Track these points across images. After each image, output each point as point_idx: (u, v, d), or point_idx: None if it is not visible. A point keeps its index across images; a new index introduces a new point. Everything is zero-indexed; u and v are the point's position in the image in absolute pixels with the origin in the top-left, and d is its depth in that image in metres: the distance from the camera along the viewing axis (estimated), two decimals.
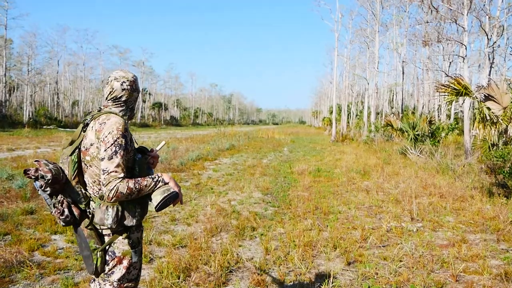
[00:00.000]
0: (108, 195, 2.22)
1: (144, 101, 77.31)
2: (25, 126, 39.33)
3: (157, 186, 2.34)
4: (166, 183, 2.37)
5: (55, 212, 2.43)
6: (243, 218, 7.14)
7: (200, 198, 8.85)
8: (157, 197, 2.31)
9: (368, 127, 29.78)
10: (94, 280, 2.54)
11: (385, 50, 41.94)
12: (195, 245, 5.45)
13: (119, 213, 2.35)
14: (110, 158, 2.25)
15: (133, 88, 2.54)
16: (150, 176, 2.36)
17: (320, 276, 4.72)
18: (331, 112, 46.72)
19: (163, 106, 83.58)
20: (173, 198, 2.35)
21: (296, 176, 12.27)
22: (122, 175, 2.25)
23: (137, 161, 2.43)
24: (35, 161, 2.44)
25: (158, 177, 2.36)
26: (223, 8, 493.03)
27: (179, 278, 4.46)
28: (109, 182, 2.21)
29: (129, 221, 2.38)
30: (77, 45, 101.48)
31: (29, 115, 49.92)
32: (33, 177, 2.35)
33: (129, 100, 2.54)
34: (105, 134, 2.31)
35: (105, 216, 2.35)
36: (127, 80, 2.51)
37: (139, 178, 2.32)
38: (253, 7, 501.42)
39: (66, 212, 2.42)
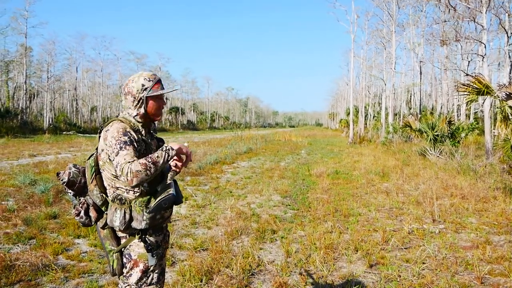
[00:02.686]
0: (127, 179, 2.20)
1: None
2: (45, 132, 39.96)
3: (170, 156, 2.32)
4: (174, 150, 2.36)
5: (73, 212, 2.54)
6: (263, 221, 7.15)
7: (220, 202, 8.88)
8: (156, 199, 2.34)
9: (386, 129, 29.54)
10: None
11: (402, 51, 41.54)
12: (216, 248, 5.47)
13: (126, 215, 2.38)
14: (117, 153, 2.29)
15: (125, 91, 2.54)
16: (161, 148, 2.36)
17: (342, 278, 4.70)
18: (348, 114, 46.49)
19: (180, 111, 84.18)
20: (169, 201, 2.33)
21: (314, 178, 12.24)
22: (132, 159, 2.25)
23: None
24: (68, 164, 2.58)
25: (166, 147, 2.35)
26: (239, 12, 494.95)
27: (201, 281, 4.48)
28: (122, 169, 2.22)
29: (138, 224, 2.37)
30: (95, 52, 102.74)
31: (49, 121, 50.74)
32: (60, 179, 2.51)
33: (126, 104, 2.55)
34: (109, 139, 2.36)
35: (113, 218, 2.40)
36: (126, 84, 2.55)
37: (148, 155, 2.32)
38: (269, 11, 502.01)
39: (82, 213, 2.51)
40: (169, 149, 2.34)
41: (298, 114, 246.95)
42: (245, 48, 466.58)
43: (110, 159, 2.37)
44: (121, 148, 2.29)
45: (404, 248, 5.76)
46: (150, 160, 2.24)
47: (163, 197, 2.32)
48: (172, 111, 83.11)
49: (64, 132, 44.24)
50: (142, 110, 2.51)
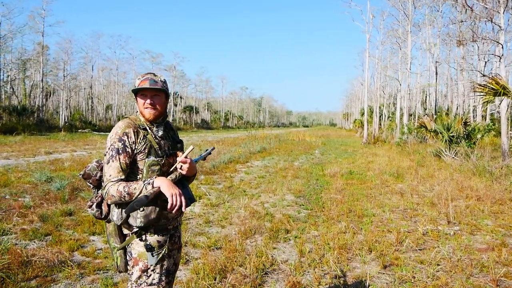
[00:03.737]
0: (104, 197, 2.37)
1: (175, 105, 78.34)
2: (61, 130, 40.41)
3: (147, 189, 2.30)
4: (155, 187, 2.32)
5: (87, 204, 2.62)
6: (277, 221, 7.16)
7: (233, 201, 8.91)
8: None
9: (401, 129, 29.31)
10: None
11: (418, 51, 41.21)
12: (230, 247, 5.50)
13: (123, 211, 2.41)
14: (108, 162, 2.39)
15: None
16: (144, 180, 2.36)
17: (356, 279, 4.69)
18: (363, 114, 46.25)
19: (194, 110, 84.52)
20: (140, 202, 2.28)
21: (328, 178, 12.21)
22: (116, 178, 2.35)
23: (146, 163, 2.44)
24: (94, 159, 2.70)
25: (150, 180, 2.35)
26: (254, 12, 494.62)
27: (215, 280, 4.51)
28: (105, 185, 2.35)
29: (133, 221, 2.39)
30: (110, 51, 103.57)
31: (64, 119, 51.33)
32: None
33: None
34: (108, 137, 2.45)
35: (112, 212, 2.47)
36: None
37: (132, 182, 2.36)
38: (283, 11, 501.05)
39: (94, 205, 2.58)
40: (148, 183, 2.32)
41: (312, 114, 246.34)
42: (260, 47, 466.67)
43: (104, 158, 2.46)
44: (111, 157, 2.38)
45: (419, 250, 5.73)
46: (126, 190, 2.30)
47: (133, 201, 2.30)
48: (186, 110, 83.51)
49: (80, 130, 44.71)
50: (139, 107, 2.56)
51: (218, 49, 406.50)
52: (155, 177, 2.37)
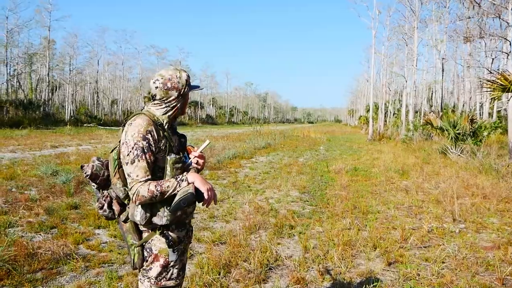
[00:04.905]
0: (132, 198, 2.28)
1: None
2: (67, 124, 40.62)
3: (181, 187, 2.29)
4: (190, 183, 2.31)
5: (97, 205, 2.54)
6: (281, 216, 7.16)
7: (238, 196, 8.91)
8: (175, 198, 2.28)
9: (406, 126, 29.21)
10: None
11: (424, 47, 40.82)
12: (234, 242, 5.49)
13: (148, 210, 2.37)
14: (133, 162, 2.29)
15: (168, 86, 2.46)
16: (175, 177, 2.33)
17: (361, 275, 4.68)
18: (368, 111, 46.10)
19: (199, 105, 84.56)
20: (188, 200, 2.26)
21: (333, 175, 12.18)
22: (144, 178, 2.27)
23: (169, 161, 2.40)
24: (92, 158, 2.59)
25: (182, 176, 2.32)
26: (258, 8, 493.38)
27: (219, 274, 4.51)
28: (132, 187, 2.27)
29: (159, 220, 2.37)
30: (116, 45, 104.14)
31: (70, 113, 51.54)
32: (84, 172, 2.53)
33: (165, 98, 2.48)
34: (128, 136, 2.35)
35: (134, 212, 2.40)
36: (161, 78, 2.47)
37: (162, 180, 2.31)
38: (288, 6, 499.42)
39: (105, 207, 2.51)
40: (182, 180, 2.30)
41: (317, 110, 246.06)
42: (265, 43, 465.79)
43: (124, 157, 2.35)
44: (137, 156, 2.29)
45: (424, 247, 5.70)
46: (159, 189, 2.25)
47: (182, 197, 2.26)
48: (191, 105, 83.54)
49: (85, 124, 44.91)
50: (179, 105, 2.51)
51: (223, 44, 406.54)
52: (186, 173, 2.35)
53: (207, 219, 7.02)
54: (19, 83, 54.06)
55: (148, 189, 2.24)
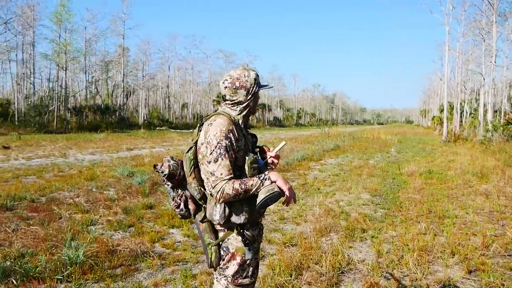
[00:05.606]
0: (216, 196, 2.30)
1: None
2: (140, 128, 42.42)
3: (264, 185, 2.31)
4: (273, 182, 2.33)
5: (173, 204, 2.61)
6: (352, 219, 7.01)
7: (307, 198, 8.84)
8: (260, 196, 2.29)
9: (485, 126, 27.66)
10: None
11: (504, 42, 38.42)
12: (305, 244, 5.45)
13: (226, 209, 2.39)
14: (216, 160, 2.32)
15: (237, 85, 2.50)
16: (257, 176, 2.35)
17: (438, 282, 4.48)
18: (442, 111, 44.19)
19: (266, 107, 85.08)
20: (274, 198, 2.29)
21: (405, 177, 11.78)
22: (228, 176, 2.30)
23: (247, 160, 2.42)
24: (165, 157, 2.63)
25: (265, 175, 2.34)
26: (324, 9, 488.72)
27: (291, 276, 4.49)
28: (216, 185, 2.29)
29: (237, 219, 2.39)
30: (186, 51, 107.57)
31: (143, 117, 53.75)
32: (158, 171, 2.57)
33: (235, 98, 2.51)
34: (210, 135, 2.37)
35: (213, 211, 2.42)
36: (230, 78, 2.51)
37: (245, 178, 2.33)
38: (353, 6, 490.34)
39: (182, 206, 2.57)
40: (265, 179, 2.32)
41: (387, 111, 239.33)
42: (332, 44, 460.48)
43: (206, 156, 2.39)
44: (220, 154, 2.32)
45: (508, 255, 5.36)
46: (243, 187, 2.28)
47: (268, 195, 2.28)
48: (259, 108, 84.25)
49: (157, 128, 46.66)
50: (251, 104, 2.54)
51: (290, 46, 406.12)
52: (267, 172, 2.37)
53: (277, 220, 7.03)
54: (97, 89, 57.28)
55: (233, 187, 2.27)
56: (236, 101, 2.52)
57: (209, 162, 2.35)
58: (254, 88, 2.52)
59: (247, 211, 2.39)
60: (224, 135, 2.35)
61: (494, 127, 24.85)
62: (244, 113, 2.54)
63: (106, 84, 58.62)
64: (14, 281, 4.13)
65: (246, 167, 2.41)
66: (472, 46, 42.81)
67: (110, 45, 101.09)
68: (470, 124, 36.88)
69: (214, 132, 2.37)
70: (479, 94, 39.96)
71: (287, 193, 2.36)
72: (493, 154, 17.26)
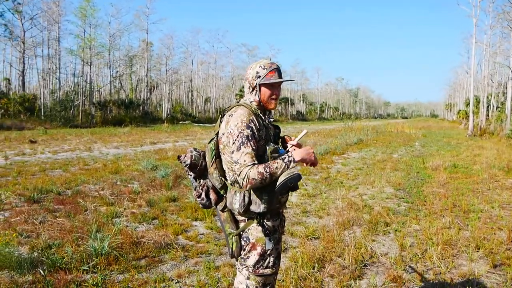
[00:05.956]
0: (242, 183, 2.30)
1: None
2: (164, 122, 42.86)
3: (289, 167, 2.32)
4: (296, 162, 2.34)
5: (194, 194, 2.68)
6: (376, 213, 6.99)
7: (330, 192, 8.84)
8: (280, 178, 2.29)
9: None
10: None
11: None
12: (328, 237, 5.46)
13: (246, 198, 2.43)
14: (239, 149, 2.34)
15: (245, 78, 2.59)
16: (280, 158, 2.35)
17: (462, 276, 4.44)
18: (467, 105, 43.42)
19: (289, 101, 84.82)
20: (294, 180, 2.29)
21: (430, 171, 11.64)
22: (251, 163, 2.31)
23: (267, 150, 2.44)
24: (188, 149, 2.71)
25: (289, 157, 2.35)
26: (349, 4, 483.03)
27: (313, 269, 4.51)
28: (240, 172, 2.30)
29: (256, 208, 2.42)
30: (209, 45, 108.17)
31: (167, 111, 54.15)
32: (181, 162, 2.66)
33: (252, 88, 2.56)
34: (231, 126, 2.41)
35: (233, 200, 2.47)
36: (250, 69, 2.57)
37: (269, 162, 2.34)
38: (379, 1, 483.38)
39: (203, 195, 2.64)
40: (290, 161, 2.33)
41: (412, 105, 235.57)
42: (355, 37, 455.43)
43: (228, 146, 2.43)
44: (242, 143, 2.34)
45: None
46: (268, 171, 2.28)
47: (289, 177, 2.29)
48: (282, 102, 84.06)
49: (181, 122, 47.00)
50: (256, 97, 2.55)
51: (313, 40, 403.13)
52: (291, 153, 2.39)
53: (300, 213, 7.06)
54: (121, 84, 57.98)
55: (258, 171, 2.27)
56: (253, 91, 2.58)
57: (232, 152, 2.38)
58: (255, 81, 2.54)
59: (266, 200, 2.41)
60: (245, 125, 2.39)
61: None
62: (254, 105, 2.56)
63: (130, 78, 59.26)
64: (41, 271, 4.26)
65: (267, 157, 2.43)
66: (500, 38, 41.82)
67: (134, 40, 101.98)
68: (497, 118, 36.14)
69: (235, 122, 2.41)
70: (506, 88, 39.04)
71: (312, 159, 2.44)
72: None
